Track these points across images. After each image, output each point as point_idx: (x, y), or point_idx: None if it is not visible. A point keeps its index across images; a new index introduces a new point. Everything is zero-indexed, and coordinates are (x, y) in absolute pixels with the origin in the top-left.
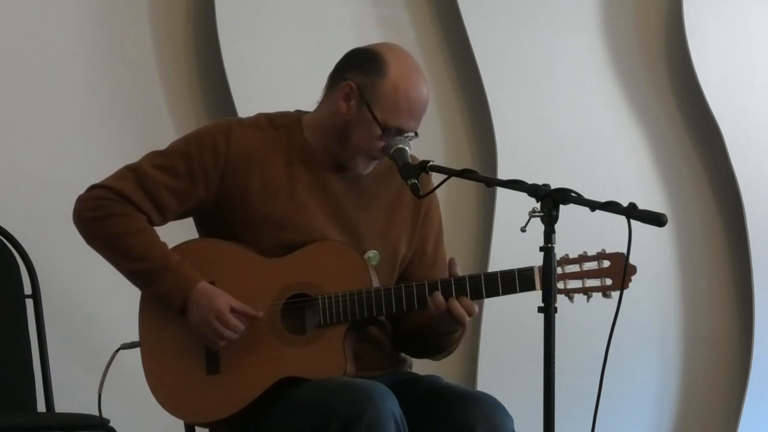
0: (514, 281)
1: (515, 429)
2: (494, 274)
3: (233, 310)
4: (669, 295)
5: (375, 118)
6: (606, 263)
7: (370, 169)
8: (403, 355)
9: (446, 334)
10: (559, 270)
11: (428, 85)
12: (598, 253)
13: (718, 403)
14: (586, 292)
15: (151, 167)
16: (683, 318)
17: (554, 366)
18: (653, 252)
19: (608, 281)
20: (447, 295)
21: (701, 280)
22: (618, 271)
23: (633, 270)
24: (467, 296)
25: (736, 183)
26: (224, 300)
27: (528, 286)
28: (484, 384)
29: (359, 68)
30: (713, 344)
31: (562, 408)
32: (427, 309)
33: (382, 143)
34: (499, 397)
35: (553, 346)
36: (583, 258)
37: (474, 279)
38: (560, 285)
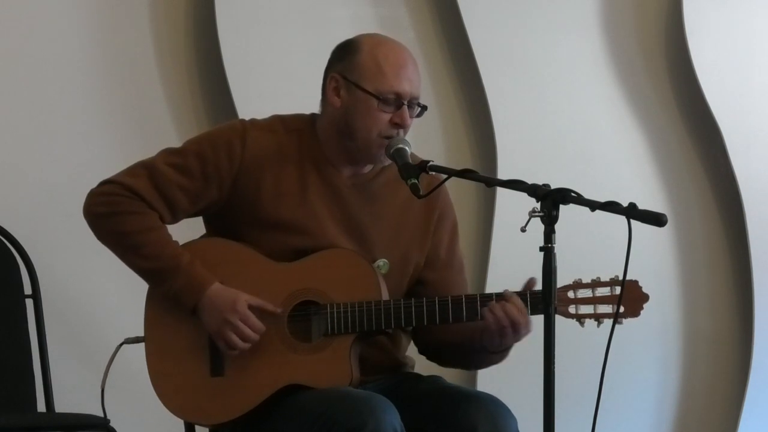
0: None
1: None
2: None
3: (251, 307)
4: (669, 295)
5: (366, 91)
6: (619, 290)
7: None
8: (404, 355)
9: (493, 352)
10: (571, 294)
11: (410, 53)
12: (611, 279)
13: (718, 403)
14: (597, 318)
15: (164, 165)
16: (683, 318)
17: (554, 366)
18: (653, 252)
19: (620, 308)
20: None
21: (701, 280)
22: (631, 299)
23: (645, 298)
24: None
25: (736, 183)
26: (244, 300)
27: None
28: (484, 384)
29: (337, 60)
30: (713, 344)
31: (562, 408)
32: (483, 321)
33: (386, 116)
34: (499, 397)
35: (553, 346)
36: (597, 283)
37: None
38: (572, 309)
